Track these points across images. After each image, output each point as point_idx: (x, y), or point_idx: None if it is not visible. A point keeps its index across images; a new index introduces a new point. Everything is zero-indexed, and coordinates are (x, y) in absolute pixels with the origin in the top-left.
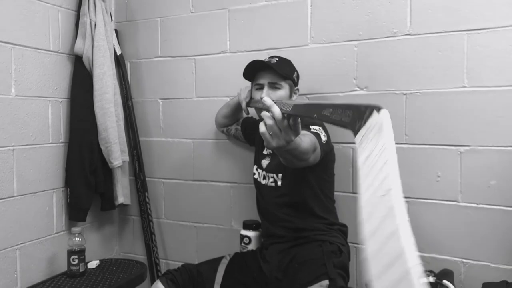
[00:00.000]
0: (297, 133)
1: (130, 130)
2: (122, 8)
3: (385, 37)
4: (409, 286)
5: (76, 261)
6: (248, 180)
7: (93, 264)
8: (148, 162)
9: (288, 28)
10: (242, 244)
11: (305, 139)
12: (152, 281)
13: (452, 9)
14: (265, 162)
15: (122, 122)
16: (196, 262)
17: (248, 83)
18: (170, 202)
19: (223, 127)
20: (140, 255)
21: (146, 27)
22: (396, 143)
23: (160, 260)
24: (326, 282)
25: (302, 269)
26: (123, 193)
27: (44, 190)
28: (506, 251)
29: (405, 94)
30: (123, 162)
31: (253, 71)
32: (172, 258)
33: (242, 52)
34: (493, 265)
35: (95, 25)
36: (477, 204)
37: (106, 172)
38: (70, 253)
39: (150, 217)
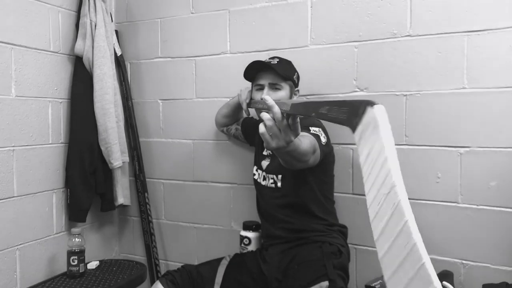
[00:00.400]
0: (296, 133)
1: (130, 130)
2: (122, 8)
3: (385, 38)
4: (425, 283)
5: (76, 262)
6: (248, 181)
7: (92, 265)
8: (148, 163)
9: (288, 29)
10: (242, 245)
11: (304, 141)
12: (152, 282)
13: (452, 11)
14: (265, 163)
15: (122, 123)
16: (196, 263)
17: (248, 84)
18: (170, 203)
19: (223, 126)
20: (140, 256)
21: (146, 28)
22: (396, 144)
23: (160, 261)
24: (325, 283)
25: (301, 270)
26: (123, 194)
27: (44, 191)
28: (506, 253)
29: (405, 95)
30: (123, 162)
31: (254, 71)
32: (172, 259)
33: (242, 53)
34: (493, 266)
35: (95, 25)
36: (477, 205)
37: (106, 172)
38: (70, 253)
39: (150, 217)
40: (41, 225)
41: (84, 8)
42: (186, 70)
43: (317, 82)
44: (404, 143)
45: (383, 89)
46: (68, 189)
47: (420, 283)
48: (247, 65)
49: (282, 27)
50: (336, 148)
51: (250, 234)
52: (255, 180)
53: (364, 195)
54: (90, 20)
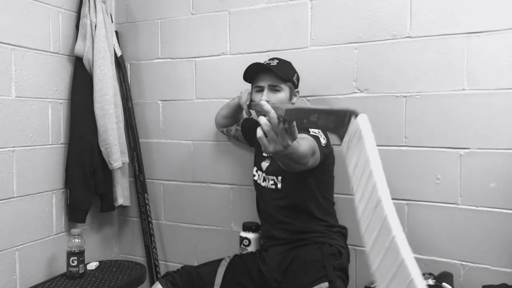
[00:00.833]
0: (293, 137)
1: (130, 131)
2: (122, 9)
3: (385, 40)
4: None
5: (76, 263)
6: (248, 182)
7: (92, 266)
8: (148, 164)
9: (288, 30)
10: (242, 246)
11: (303, 143)
12: (152, 282)
13: (452, 12)
14: (265, 164)
15: (122, 124)
16: (196, 264)
17: (248, 85)
18: (170, 203)
19: (223, 127)
20: (139, 257)
21: (146, 29)
22: (396, 146)
23: (160, 261)
24: (325, 285)
25: (301, 271)
26: (122, 195)
27: (44, 191)
28: (505, 254)
29: (405, 96)
30: (123, 163)
31: (253, 73)
32: (171, 260)
33: (243, 54)
34: (492, 267)
35: (95, 26)
36: (477, 206)
37: (105, 173)
38: (70, 254)
39: (149, 218)
40: (40, 226)
41: (84, 9)
42: (186, 71)
43: (317, 83)
44: (404, 144)
45: (383, 90)
46: (68, 190)
47: None
48: (247, 66)
49: (282, 28)
50: (336, 149)
51: (250, 235)
52: (255, 181)
53: None
54: (90, 20)
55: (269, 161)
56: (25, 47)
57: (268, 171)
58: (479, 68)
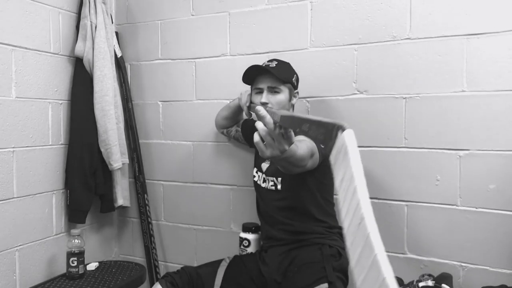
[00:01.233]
0: (290, 142)
1: (130, 132)
2: (122, 10)
3: (385, 41)
4: None
5: (75, 263)
6: (247, 182)
7: (92, 266)
8: (147, 164)
9: (288, 31)
10: (242, 246)
11: (301, 146)
12: (151, 283)
13: (451, 14)
14: (265, 166)
15: (122, 124)
16: (196, 265)
17: (248, 87)
18: (170, 204)
19: (223, 128)
20: (139, 257)
21: (146, 30)
22: (396, 147)
23: (159, 262)
24: (325, 286)
25: (301, 272)
26: (122, 195)
27: (44, 192)
28: (505, 255)
29: (405, 98)
30: (122, 164)
31: (252, 75)
32: (171, 261)
33: (242, 55)
34: (492, 269)
35: (95, 27)
36: (476, 208)
37: (105, 174)
38: (69, 255)
39: (149, 219)
40: (40, 226)
41: (85, 10)
42: (186, 72)
43: (317, 85)
44: (404, 145)
45: (383, 92)
46: (68, 190)
47: None
48: (247, 67)
49: (282, 30)
50: None
51: (250, 236)
52: (255, 182)
53: None
54: (91, 21)
55: (269, 162)
56: (26, 48)
57: (268, 172)
58: (478, 70)
